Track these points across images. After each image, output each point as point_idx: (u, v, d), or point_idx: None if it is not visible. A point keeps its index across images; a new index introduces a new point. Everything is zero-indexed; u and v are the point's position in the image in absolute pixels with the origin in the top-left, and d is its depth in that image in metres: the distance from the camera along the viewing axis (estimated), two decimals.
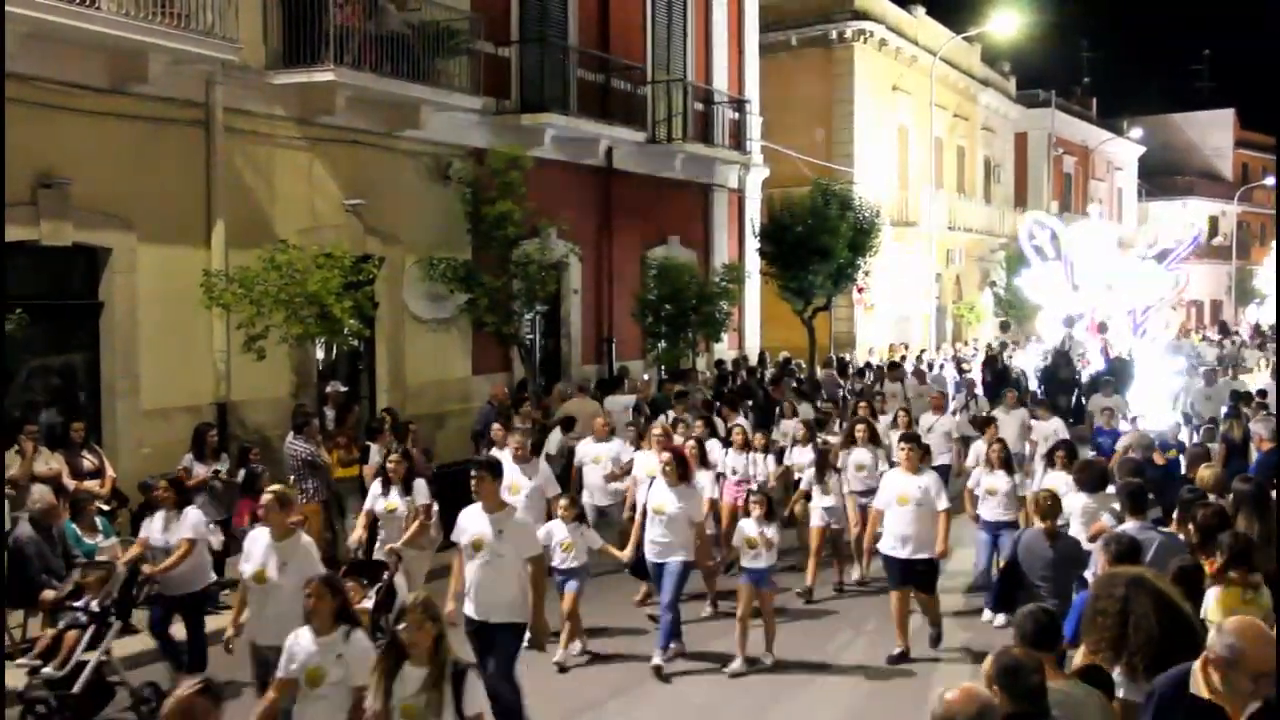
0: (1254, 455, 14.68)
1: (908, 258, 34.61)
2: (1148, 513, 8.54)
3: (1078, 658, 5.32)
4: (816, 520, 13.05)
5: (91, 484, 11.96)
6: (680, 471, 10.42)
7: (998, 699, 4.50)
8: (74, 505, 11.16)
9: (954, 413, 19.72)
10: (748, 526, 10.46)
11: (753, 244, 25.40)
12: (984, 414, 18.70)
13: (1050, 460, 12.35)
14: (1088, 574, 7.98)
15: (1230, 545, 6.76)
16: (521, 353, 18.30)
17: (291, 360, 14.94)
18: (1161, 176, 63.70)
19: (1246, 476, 10.11)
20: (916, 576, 10.64)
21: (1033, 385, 25.89)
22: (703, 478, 11.52)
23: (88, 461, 12.21)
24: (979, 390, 23.77)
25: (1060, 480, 11.30)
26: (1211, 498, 9.04)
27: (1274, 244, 44.10)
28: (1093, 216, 29.40)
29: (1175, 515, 9.35)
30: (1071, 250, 28.99)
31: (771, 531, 10.41)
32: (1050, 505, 9.07)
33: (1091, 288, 28.50)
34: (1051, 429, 15.87)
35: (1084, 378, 25.73)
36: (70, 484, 11.72)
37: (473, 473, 8.46)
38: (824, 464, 13.14)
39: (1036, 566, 8.64)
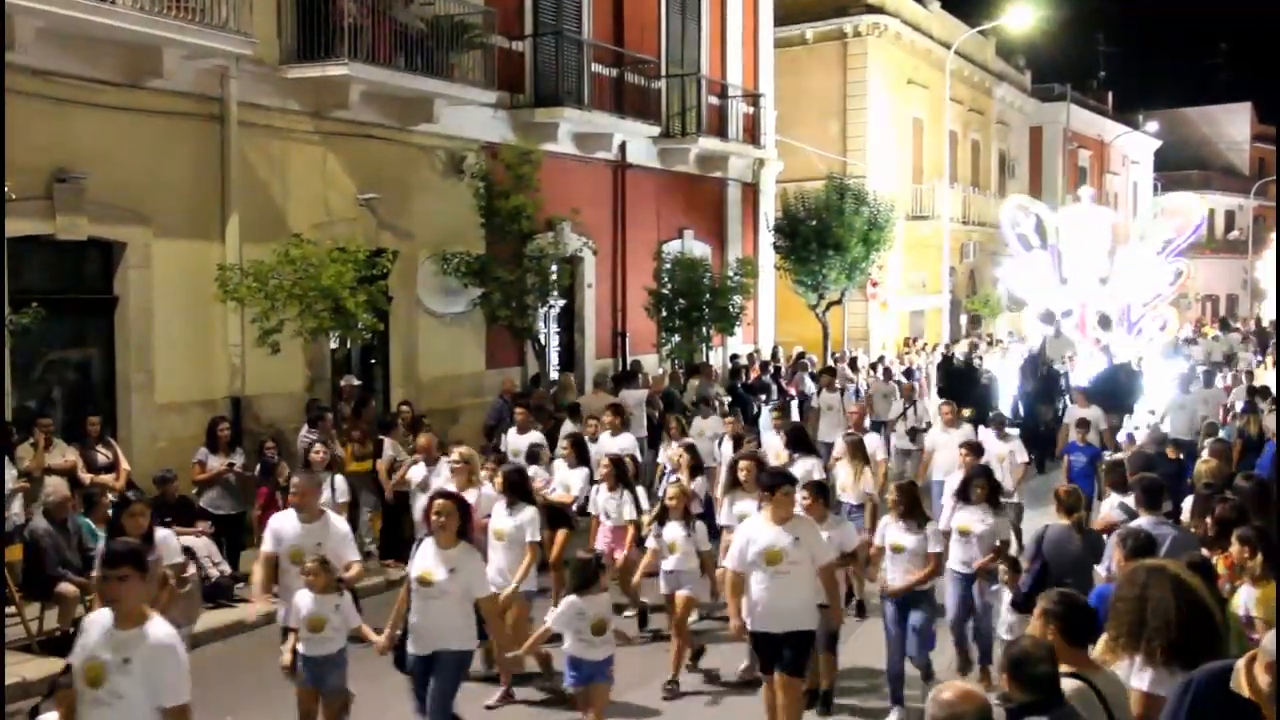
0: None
1: (922, 252, 34.52)
2: (1162, 508, 8.49)
3: (1097, 649, 5.30)
4: (662, 587, 10.22)
5: (106, 478, 12.02)
6: (461, 527, 7.66)
7: (1009, 689, 4.50)
8: (87, 499, 11.20)
9: (894, 424, 17.63)
10: (575, 602, 7.77)
11: (767, 238, 25.38)
12: (924, 424, 16.84)
13: (965, 494, 9.73)
14: (1101, 569, 7.96)
15: (1259, 540, 6.73)
16: (535, 347, 18.31)
17: (306, 354, 14.97)
18: (1177, 170, 63.41)
19: (1249, 474, 10.11)
20: (786, 657, 8.09)
21: (1010, 392, 22.85)
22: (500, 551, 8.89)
23: (102, 455, 12.26)
24: (921, 396, 20.89)
25: (974, 518, 9.58)
26: None
27: (1274, 237, 42.74)
28: (1084, 200, 26.50)
29: (1191, 510, 9.35)
30: (1059, 239, 26.10)
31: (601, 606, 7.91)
32: (1075, 499, 9.05)
33: (1082, 281, 25.64)
34: (1005, 451, 13.45)
35: (1072, 382, 22.39)
36: (85, 477, 11.77)
37: (106, 569, 5.49)
38: (664, 511, 10.20)
39: (1066, 562, 8.52)
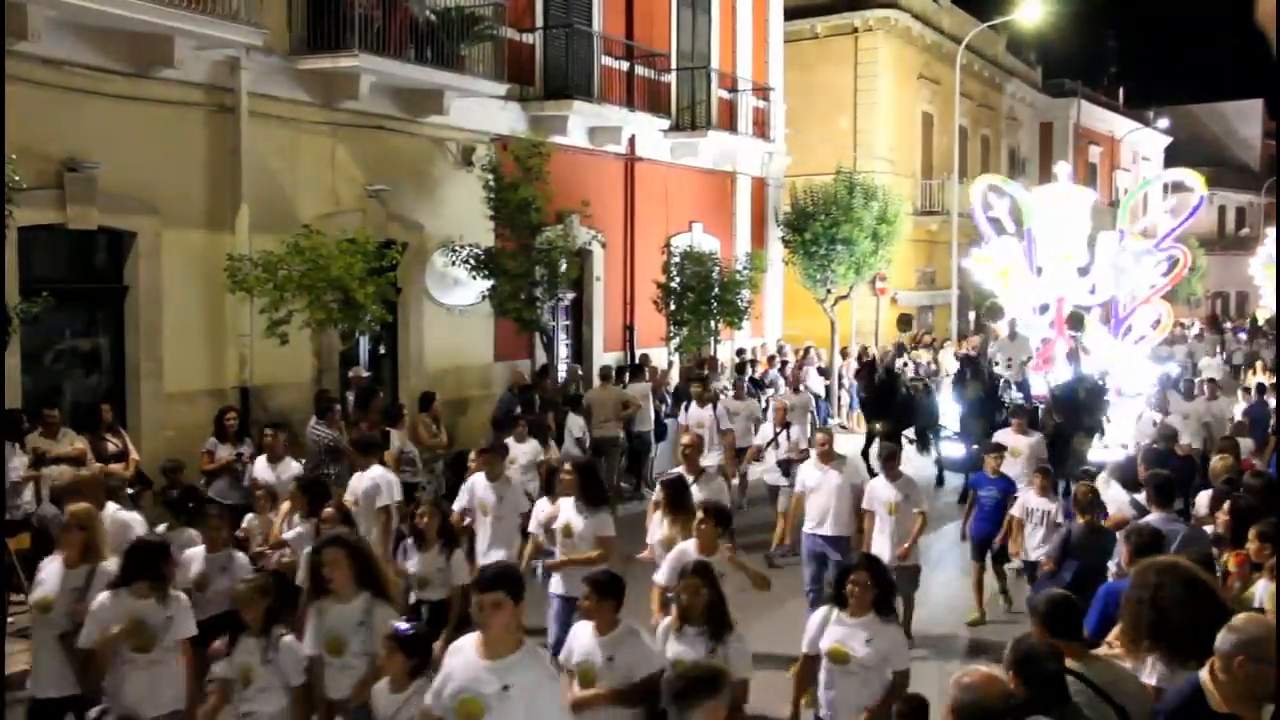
0: None
1: (931, 248, 34.48)
2: (1173, 504, 8.48)
3: (1105, 648, 5.30)
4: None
5: (115, 466, 12.03)
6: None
7: (1013, 686, 4.50)
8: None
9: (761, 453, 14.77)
10: None
11: (776, 232, 25.35)
12: (799, 451, 13.88)
13: (838, 596, 6.73)
14: (1111, 564, 7.96)
15: (1274, 537, 6.74)
16: (543, 339, 18.31)
17: (314, 345, 14.99)
18: (1188, 167, 63.12)
19: (1258, 472, 10.12)
20: None
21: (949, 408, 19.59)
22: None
23: (111, 444, 12.29)
24: (812, 413, 18.47)
25: (856, 637, 6.54)
26: None
27: (1274, 233, 41.70)
28: (1061, 179, 22.89)
29: (1210, 505, 9.34)
30: (1035, 223, 22.42)
31: None
32: (1091, 499, 9.01)
33: (1058, 271, 21.99)
34: (894, 498, 10.39)
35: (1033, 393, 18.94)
36: (95, 467, 11.77)
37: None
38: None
39: (1095, 562, 8.55)
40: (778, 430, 14.59)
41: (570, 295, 19.62)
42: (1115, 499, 10.14)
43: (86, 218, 12.80)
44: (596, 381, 18.01)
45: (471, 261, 16.74)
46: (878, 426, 17.77)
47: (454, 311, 17.65)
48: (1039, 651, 4.61)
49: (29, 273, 12.15)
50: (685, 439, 11.10)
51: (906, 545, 10.29)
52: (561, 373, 19.10)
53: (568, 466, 9.42)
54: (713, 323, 20.42)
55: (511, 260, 16.71)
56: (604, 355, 20.80)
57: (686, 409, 15.94)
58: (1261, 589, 6.59)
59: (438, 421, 14.76)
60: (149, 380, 13.62)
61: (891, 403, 17.86)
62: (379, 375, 16.67)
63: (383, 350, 17.07)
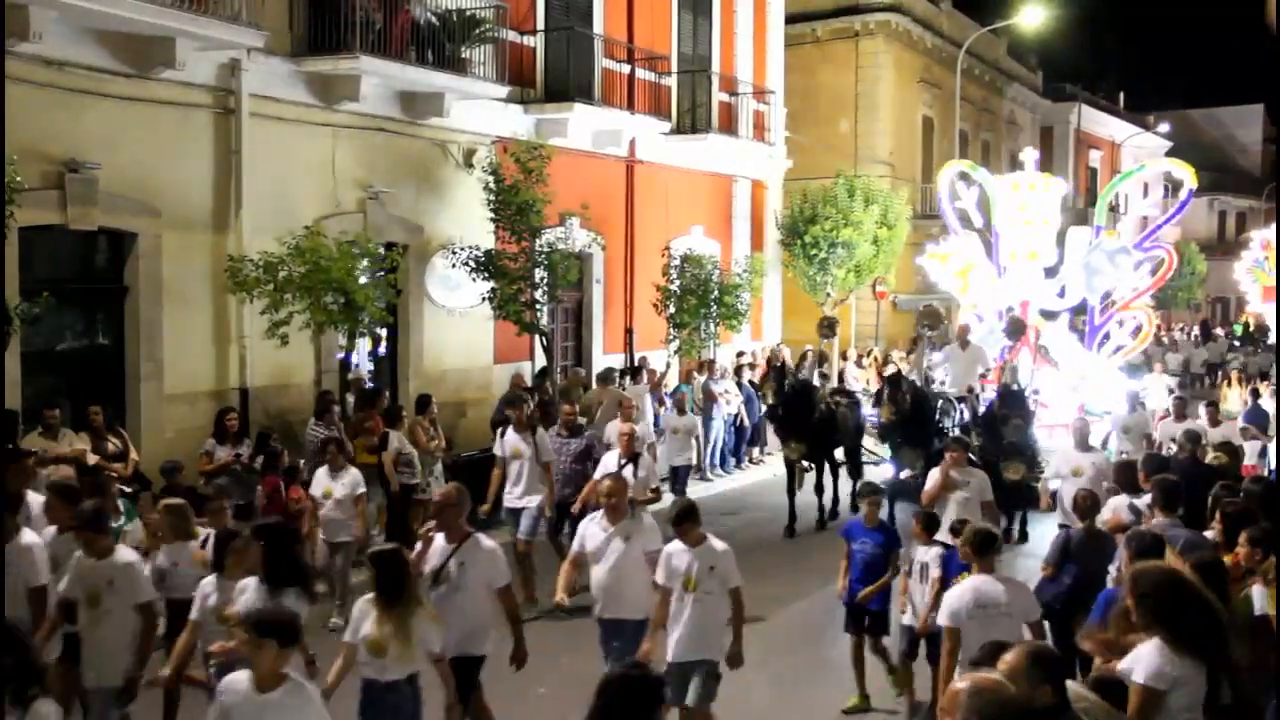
0: None
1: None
2: (1178, 510, 8.44)
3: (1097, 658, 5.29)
4: None
5: (115, 466, 12.02)
6: None
7: (1036, 691, 4.41)
8: (98, 486, 11.18)
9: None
10: None
11: (775, 235, 25.34)
12: (651, 491, 10.90)
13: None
14: (1111, 568, 7.94)
15: (1264, 541, 6.74)
16: (543, 342, 18.30)
17: (315, 346, 14.99)
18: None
19: (1258, 477, 10.12)
20: None
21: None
22: None
23: (111, 444, 12.27)
24: (698, 438, 17.29)
25: None
26: None
27: (1259, 237, 41.47)
28: (1028, 166, 20.44)
29: (1209, 510, 9.32)
30: (999, 216, 19.87)
31: None
32: (1090, 504, 8.96)
33: (1024, 271, 19.55)
34: (691, 572, 7.47)
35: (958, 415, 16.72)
36: (91, 458, 11.74)
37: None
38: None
39: (1094, 568, 8.52)
40: (623, 461, 11.23)
41: (570, 296, 19.61)
42: (1112, 505, 10.12)
43: (87, 218, 12.80)
44: (595, 384, 18.00)
45: (472, 263, 16.72)
46: (793, 449, 15.97)
47: (454, 313, 17.65)
48: (1058, 657, 4.60)
49: (29, 273, 12.16)
50: (436, 492, 8.09)
51: (734, 645, 7.60)
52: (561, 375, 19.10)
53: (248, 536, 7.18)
54: (712, 325, 20.41)
55: (512, 262, 16.71)
56: (604, 358, 20.80)
57: (503, 435, 12.40)
58: (1258, 594, 6.59)
59: (435, 424, 14.75)
60: (149, 381, 13.62)
61: (807, 420, 15.76)
62: (379, 377, 16.68)
63: (382, 351, 17.07)
